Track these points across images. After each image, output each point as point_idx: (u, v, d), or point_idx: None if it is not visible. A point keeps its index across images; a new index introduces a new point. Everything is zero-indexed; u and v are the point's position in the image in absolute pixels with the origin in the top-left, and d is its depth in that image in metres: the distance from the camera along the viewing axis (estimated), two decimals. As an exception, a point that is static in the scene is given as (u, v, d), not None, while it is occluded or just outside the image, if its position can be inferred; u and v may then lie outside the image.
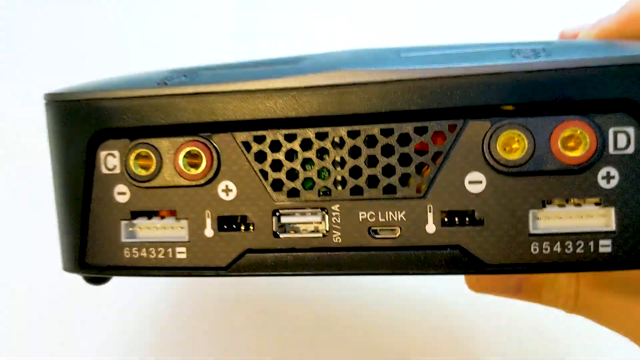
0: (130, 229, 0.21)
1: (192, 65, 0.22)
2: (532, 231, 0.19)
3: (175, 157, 0.21)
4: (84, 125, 0.21)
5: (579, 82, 0.18)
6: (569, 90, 0.18)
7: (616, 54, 0.18)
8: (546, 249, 0.18)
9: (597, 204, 0.18)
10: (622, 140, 0.18)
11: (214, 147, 0.20)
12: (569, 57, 0.18)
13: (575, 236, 0.18)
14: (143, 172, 0.21)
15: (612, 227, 0.18)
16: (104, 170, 0.21)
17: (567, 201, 0.19)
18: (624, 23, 0.22)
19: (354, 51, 0.21)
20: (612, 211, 0.18)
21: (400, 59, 0.20)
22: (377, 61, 0.20)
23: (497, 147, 0.18)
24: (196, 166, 0.20)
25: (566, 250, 0.18)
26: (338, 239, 0.20)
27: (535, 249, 0.19)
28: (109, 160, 0.21)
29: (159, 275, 0.21)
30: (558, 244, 0.18)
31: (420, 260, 0.19)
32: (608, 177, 0.18)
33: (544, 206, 0.19)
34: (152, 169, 0.21)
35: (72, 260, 0.22)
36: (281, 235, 0.20)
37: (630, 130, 0.18)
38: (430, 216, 0.19)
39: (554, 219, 0.19)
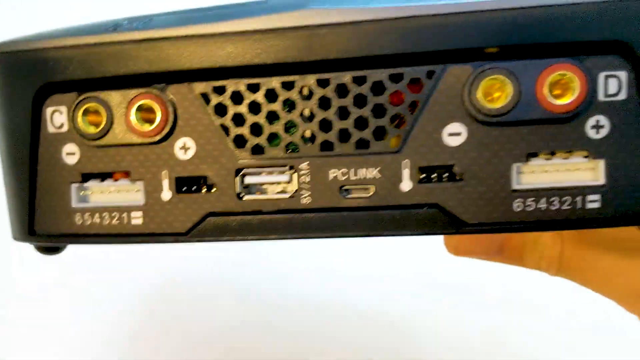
0: (82, 192, 0.20)
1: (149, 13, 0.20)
2: (515, 187, 0.17)
3: (127, 111, 0.19)
4: (28, 79, 0.19)
5: (568, 21, 0.16)
6: (557, 31, 0.16)
7: None
8: (530, 206, 0.17)
9: (585, 156, 0.17)
10: (613, 85, 0.17)
11: (170, 99, 0.18)
12: None
13: (561, 191, 0.17)
14: (93, 129, 0.19)
15: (601, 180, 0.17)
16: (51, 129, 0.19)
17: (552, 153, 0.17)
18: None
19: None
20: (601, 163, 0.17)
21: None
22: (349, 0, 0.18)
23: (479, 95, 0.17)
24: (151, 121, 0.19)
25: (551, 207, 0.17)
26: (307, 200, 0.18)
27: (518, 206, 0.17)
28: (56, 117, 0.19)
29: (113, 243, 0.19)
30: (543, 200, 0.17)
31: (396, 220, 0.18)
32: (597, 127, 0.17)
33: (528, 159, 0.17)
34: (102, 126, 0.19)
35: (21, 229, 0.20)
36: (245, 197, 0.18)
37: (622, 75, 0.17)
38: (405, 172, 0.18)
39: (539, 173, 0.17)
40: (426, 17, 0.17)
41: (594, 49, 0.17)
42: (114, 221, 0.19)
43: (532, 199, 0.17)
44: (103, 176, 0.19)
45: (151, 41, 0.18)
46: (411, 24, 0.17)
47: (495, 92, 0.17)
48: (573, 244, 0.21)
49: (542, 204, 0.17)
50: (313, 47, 0.17)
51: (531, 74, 0.17)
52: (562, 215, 0.17)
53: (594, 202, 0.17)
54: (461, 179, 0.17)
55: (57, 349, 0.43)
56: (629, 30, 0.16)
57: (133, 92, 0.19)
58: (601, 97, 0.17)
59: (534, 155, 0.17)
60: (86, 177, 0.19)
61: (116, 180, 0.19)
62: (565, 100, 0.17)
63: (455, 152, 0.17)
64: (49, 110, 0.19)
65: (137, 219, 0.19)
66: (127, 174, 0.19)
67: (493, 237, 0.23)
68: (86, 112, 0.19)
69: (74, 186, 0.19)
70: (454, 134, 0.17)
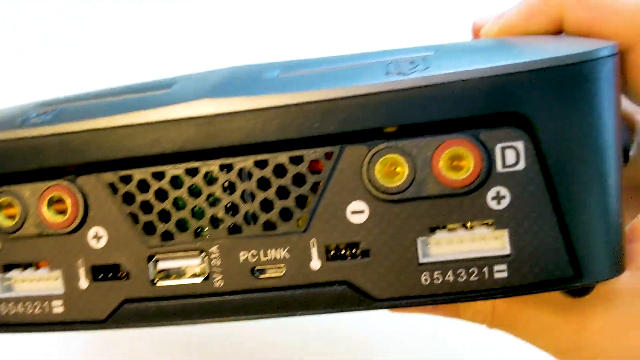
0: (5, 283, 0.20)
1: (58, 97, 0.21)
2: (421, 260, 0.17)
3: (39, 204, 0.19)
4: None
5: (460, 97, 0.16)
6: (450, 107, 0.16)
7: (499, 63, 0.16)
8: (437, 279, 0.17)
9: (489, 226, 0.17)
10: (510, 156, 0.17)
11: (80, 190, 0.19)
12: (446, 70, 0.16)
13: (468, 262, 0.17)
14: (9, 222, 0.19)
15: (507, 250, 0.17)
16: None
17: (464, 225, 0.17)
18: (525, 17, 0.21)
19: (226, 71, 0.19)
20: (505, 233, 0.17)
21: (273, 80, 0.18)
22: (246, 85, 0.18)
23: (376, 174, 0.17)
24: (64, 212, 0.19)
25: (459, 279, 0.17)
26: (220, 283, 0.18)
27: (426, 280, 0.17)
28: None
29: (36, 331, 0.20)
30: (450, 272, 0.17)
31: (308, 299, 0.18)
32: (498, 198, 0.17)
33: (432, 232, 0.17)
34: (17, 219, 0.19)
35: None
36: (159, 283, 0.18)
37: (519, 145, 0.17)
38: (314, 251, 0.18)
39: (445, 245, 0.17)
40: (319, 102, 0.17)
41: (489, 121, 0.17)
42: (37, 310, 0.19)
43: (439, 271, 0.17)
44: (25, 265, 0.20)
45: (57, 136, 0.18)
46: (306, 109, 0.17)
47: (395, 169, 0.17)
48: (504, 299, 0.21)
49: (450, 277, 0.17)
50: (213, 134, 0.17)
51: (426, 151, 0.17)
52: (471, 286, 0.17)
53: (501, 271, 0.17)
54: (367, 255, 0.17)
55: (58, 348, 0.43)
56: (522, 102, 0.16)
57: (44, 185, 0.19)
58: (499, 168, 0.17)
59: (439, 228, 0.17)
60: (8, 268, 0.20)
61: (37, 269, 0.19)
62: (462, 175, 0.17)
63: (359, 229, 0.17)
64: None
65: (58, 307, 0.19)
66: (48, 263, 0.19)
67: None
68: (1, 206, 0.19)
69: None
70: (357, 212, 0.17)
